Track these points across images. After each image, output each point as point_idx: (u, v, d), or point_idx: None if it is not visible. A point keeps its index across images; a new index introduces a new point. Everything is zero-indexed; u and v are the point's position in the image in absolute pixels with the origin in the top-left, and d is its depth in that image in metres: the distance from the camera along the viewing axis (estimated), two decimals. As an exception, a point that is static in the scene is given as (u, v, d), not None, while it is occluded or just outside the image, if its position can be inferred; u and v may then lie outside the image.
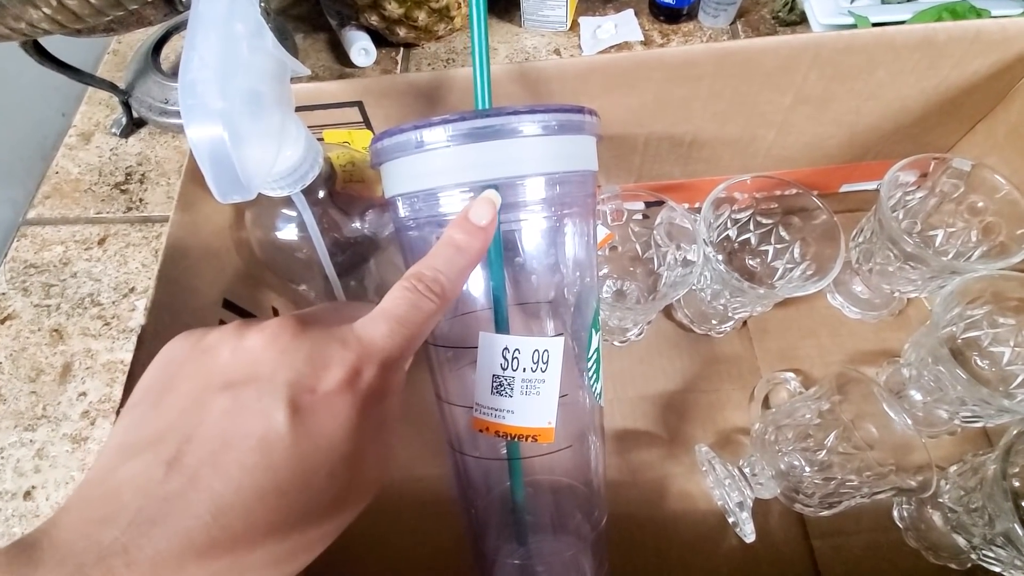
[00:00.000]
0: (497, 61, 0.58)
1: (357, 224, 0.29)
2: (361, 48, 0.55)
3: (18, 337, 0.45)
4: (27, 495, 0.39)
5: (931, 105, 0.34)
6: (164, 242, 0.26)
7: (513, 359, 0.24)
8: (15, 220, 0.51)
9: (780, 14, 0.55)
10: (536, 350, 0.24)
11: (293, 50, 0.57)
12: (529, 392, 0.24)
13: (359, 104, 0.31)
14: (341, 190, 0.30)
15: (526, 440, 0.25)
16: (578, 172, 0.24)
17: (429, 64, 0.57)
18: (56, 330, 0.45)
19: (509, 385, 0.24)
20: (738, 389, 0.39)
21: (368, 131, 0.32)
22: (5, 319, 0.46)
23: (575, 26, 0.58)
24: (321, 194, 0.27)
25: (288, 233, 0.28)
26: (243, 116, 0.21)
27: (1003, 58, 0.30)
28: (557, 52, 0.57)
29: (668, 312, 0.42)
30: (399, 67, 0.57)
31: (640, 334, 0.41)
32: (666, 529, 0.35)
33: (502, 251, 0.24)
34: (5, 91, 0.51)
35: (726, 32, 0.57)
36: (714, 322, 0.40)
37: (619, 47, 0.56)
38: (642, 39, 0.56)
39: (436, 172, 0.23)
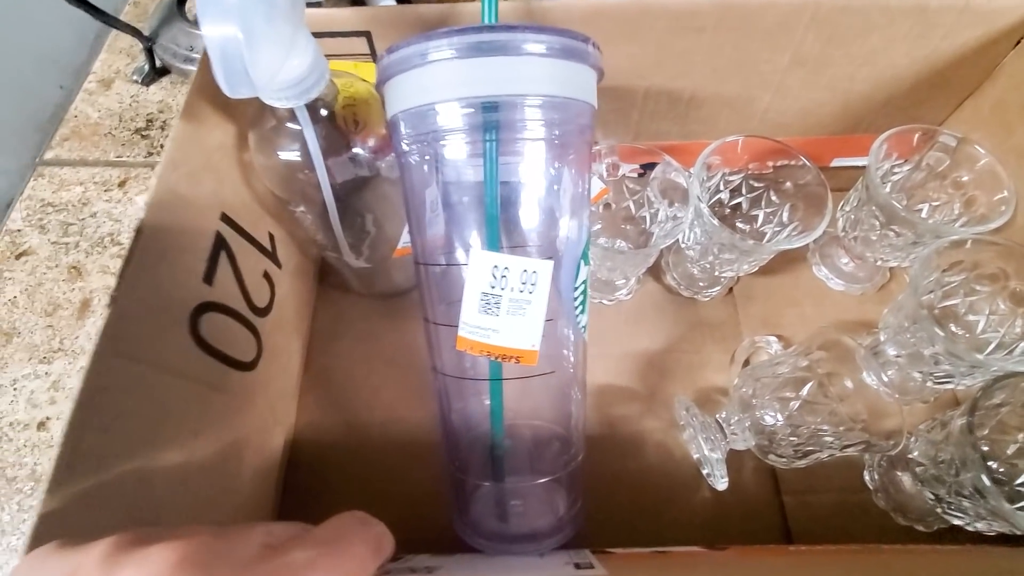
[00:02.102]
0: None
1: (358, 149, 0.30)
2: None
3: (34, 273, 0.45)
4: (41, 425, 0.39)
5: (922, 77, 0.35)
6: (166, 147, 0.26)
7: (502, 277, 0.25)
8: (32, 160, 0.51)
9: None
10: (525, 270, 0.25)
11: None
12: (516, 312, 0.25)
13: (367, 34, 0.31)
14: (342, 122, 0.30)
15: (509, 360, 0.26)
16: (578, 101, 0.25)
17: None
18: (74, 267, 0.45)
19: (496, 304, 0.25)
20: (720, 352, 0.40)
21: (374, 64, 0.33)
22: (21, 255, 0.46)
23: None
24: (324, 112, 0.28)
25: (289, 152, 0.29)
26: (257, 16, 0.22)
27: (990, 31, 0.31)
28: None
29: (657, 275, 0.43)
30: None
31: (629, 294, 0.42)
32: (641, 479, 0.36)
33: (497, 169, 0.24)
34: (24, 32, 0.51)
35: None
36: (701, 284, 0.41)
37: None
38: None
39: (438, 86, 0.23)
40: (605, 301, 0.41)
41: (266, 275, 0.32)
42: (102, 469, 0.20)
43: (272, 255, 0.33)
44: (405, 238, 0.37)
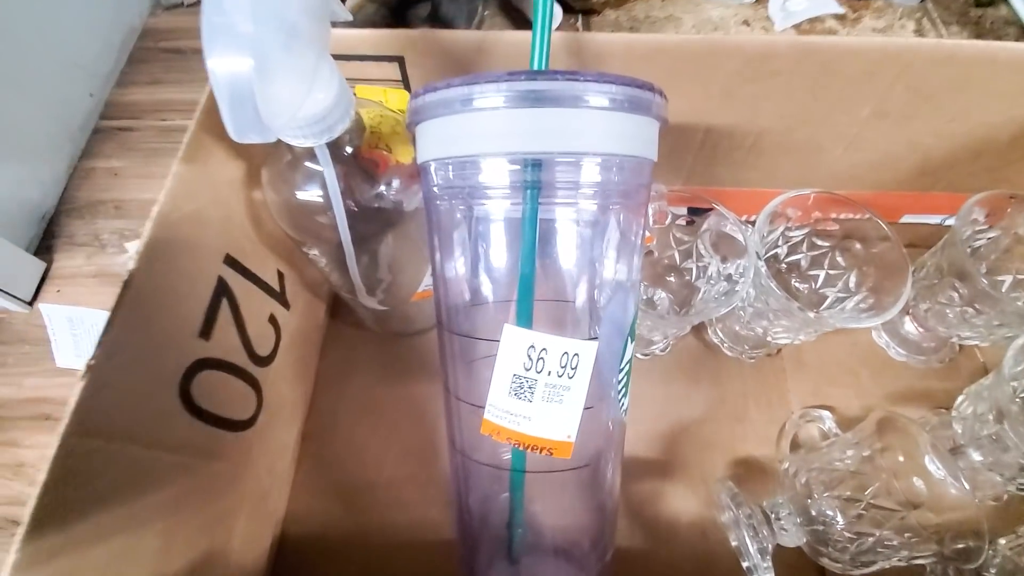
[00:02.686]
0: (683, 31, 0.56)
1: (382, 190, 0.27)
2: None
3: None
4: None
5: (1017, 138, 0.31)
6: (164, 188, 0.23)
7: (539, 360, 0.21)
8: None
9: None
10: (565, 352, 0.21)
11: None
12: (552, 399, 0.22)
13: (400, 60, 0.28)
14: (367, 154, 0.27)
15: (540, 452, 0.22)
16: (637, 159, 0.22)
17: (610, 31, 0.56)
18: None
19: (531, 388, 0.21)
20: (765, 421, 0.36)
21: (405, 92, 0.30)
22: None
23: None
24: (348, 151, 0.25)
25: (306, 192, 0.26)
26: (275, 46, 0.18)
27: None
28: (746, 23, 0.55)
29: (699, 329, 0.39)
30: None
31: (666, 348, 0.38)
32: (671, 564, 0.32)
33: (536, 235, 0.21)
34: (52, 40, 0.50)
35: (916, 11, 0.54)
36: (747, 346, 0.37)
37: (812, 22, 0.53)
38: (839, 12, 0.53)
39: (481, 136, 0.20)
40: (639, 355, 0.38)
41: (272, 319, 0.29)
42: (63, 563, 0.17)
43: (280, 296, 0.30)
44: (427, 281, 0.33)
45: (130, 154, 0.52)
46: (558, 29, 0.54)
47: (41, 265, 0.45)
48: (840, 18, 0.54)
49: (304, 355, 0.35)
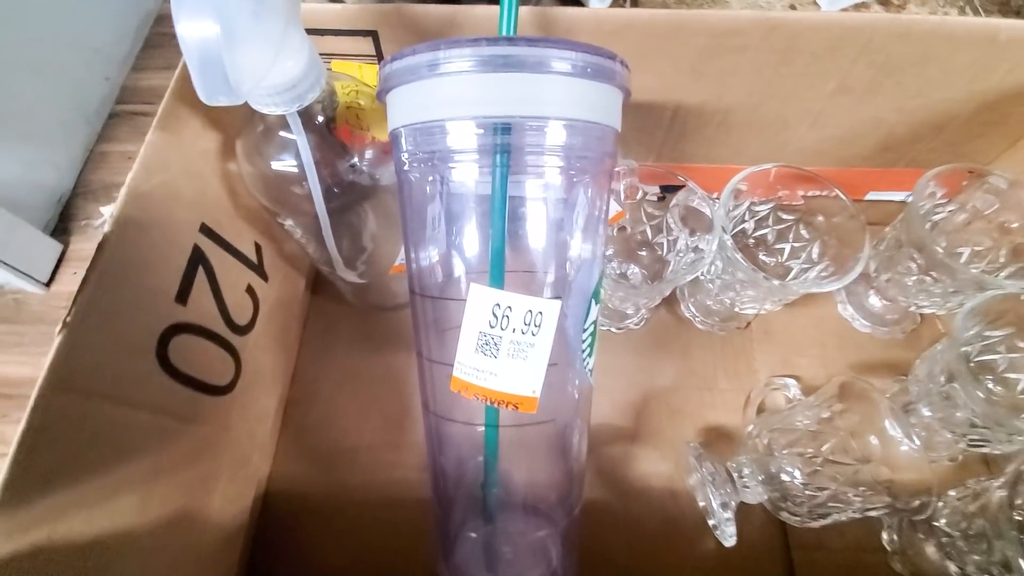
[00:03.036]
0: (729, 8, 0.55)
1: (356, 162, 0.27)
2: None
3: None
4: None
5: (978, 112, 0.32)
6: (140, 154, 0.23)
7: (504, 317, 0.22)
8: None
9: None
10: (529, 310, 0.22)
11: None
12: (516, 355, 0.22)
13: (374, 34, 0.28)
14: (343, 127, 0.27)
15: (507, 406, 0.23)
16: (600, 126, 0.22)
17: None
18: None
19: (496, 345, 0.22)
20: (734, 390, 0.37)
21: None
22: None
23: None
24: (319, 119, 0.25)
25: (280, 162, 0.26)
26: (242, 13, 0.19)
27: (1064, 66, 0.28)
28: (792, 7, 0.54)
29: (671, 303, 0.40)
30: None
31: (640, 322, 0.39)
32: (641, 526, 0.33)
33: (507, 199, 0.22)
34: (67, 24, 0.49)
35: None
36: (718, 319, 0.38)
37: (858, 7, 0.52)
38: None
39: (448, 102, 0.21)
40: (614, 329, 0.39)
41: (249, 289, 0.30)
42: (41, 528, 0.18)
43: (258, 267, 0.31)
44: (404, 254, 0.34)
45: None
46: (610, 6, 0.52)
47: (58, 247, 0.45)
48: (885, 3, 0.53)
49: (285, 326, 0.35)
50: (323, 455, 0.34)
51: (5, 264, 0.40)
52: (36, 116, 0.47)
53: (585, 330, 0.25)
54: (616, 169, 0.34)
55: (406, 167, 0.24)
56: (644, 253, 0.38)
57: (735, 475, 0.31)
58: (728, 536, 0.30)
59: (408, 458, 0.34)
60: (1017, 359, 0.31)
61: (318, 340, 0.39)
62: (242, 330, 0.29)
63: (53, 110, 0.49)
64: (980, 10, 0.53)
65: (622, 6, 0.55)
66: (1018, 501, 0.28)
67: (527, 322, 0.22)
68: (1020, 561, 0.24)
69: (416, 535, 0.30)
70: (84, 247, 0.47)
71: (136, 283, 0.22)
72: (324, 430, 0.35)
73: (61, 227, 0.47)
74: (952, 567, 0.29)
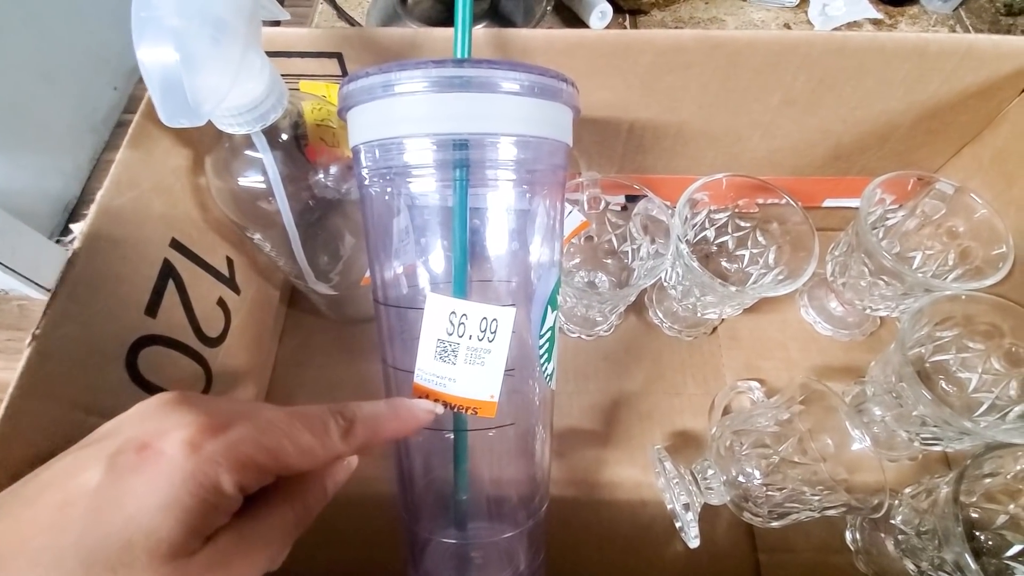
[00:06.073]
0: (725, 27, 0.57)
1: (321, 177, 0.28)
2: (600, 11, 0.53)
3: None
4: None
5: (919, 121, 0.33)
6: (111, 171, 0.24)
7: (460, 324, 0.23)
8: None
9: (1013, 2, 0.54)
10: (484, 318, 0.23)
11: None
12: (474, 361, 0.23)
13: (338, 56, 0.30)
14: (309, 144, 0.29)
15: (467, 412, 0.24)
16: (551, 141, 0.24)
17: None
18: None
19: (453, 352, 0.23)
20: (701, 394, 0.38)
21: (345, 86, 0.31)
22: None
23: (804, 2, 0.57)
24: (284, 137, 0.26)
25: (247, 178, 0.27)
26: (200, 39, 0.20)
27: (993, 76, 0.30)
28: (787, 26, 0.56)
29: (640, 311, 0.41)
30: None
31: (610, 329, 0.40)
32: (610, 529, 0.34)
33: (467, 210, 0.23)
34: (76, 34, 0.50)
35: (950, 18, 0.56)
36: (685, 326, 0.39)
37: (850, 26, 0.55)
38: (875, 16, 0.55)
39: (404, 120, 0.22)
40: (584, 336, 0.40)
41: (220, 302, 0.30)
42: None
43: (230, 280, 0.32)
44: (375, 266, 0.35)
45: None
46: (606, 29, 0.55)
47: (64, 254, 0.46)
48: (877, 23, 0.55)
49: (258, 337, 0.36)
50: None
51: (11, 270, 0.40)
52: (44, 124, 0.48)
53: (542, 336, 0.26)
54: (579, 180, 0.36)
55: (367, 182, 0.25)
56: (610, 261, 0.39)
57: (699, 477, 0.32)
58: (692, 538, 0.31)
59: (381, 464, 0.35)
60: (967, 358, 0.32)
61: (294, 352, 0.39)
62: (213, 342, 0.30)
63: (61, 118, 0.49)
64: (971, 28, 0.56)
65: (622, 25, 0.57)
66: (970, 499, 0.29)
67: (483, 329, 0.23)
68: (967, 559, 0.25)
69: (394, 543, 0.31)
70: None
71: (106, 296, 0.23)
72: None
73: (67, 234, 0.48)
74: (910, 565, 0.30)
